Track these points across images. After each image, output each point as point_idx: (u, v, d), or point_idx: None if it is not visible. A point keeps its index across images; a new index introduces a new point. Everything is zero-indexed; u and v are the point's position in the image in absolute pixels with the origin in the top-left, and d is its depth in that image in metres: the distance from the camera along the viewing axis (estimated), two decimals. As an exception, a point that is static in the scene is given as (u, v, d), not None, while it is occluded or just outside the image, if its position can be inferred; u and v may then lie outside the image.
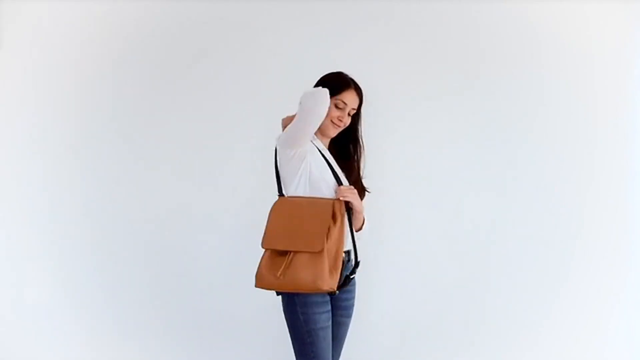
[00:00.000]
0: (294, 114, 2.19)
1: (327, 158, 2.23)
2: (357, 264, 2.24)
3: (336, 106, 2.20)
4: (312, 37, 3.14)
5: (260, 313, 2.95)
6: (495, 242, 3.16)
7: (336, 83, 2.22)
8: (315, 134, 2.23)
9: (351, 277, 2.23)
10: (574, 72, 3.13)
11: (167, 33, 3.20)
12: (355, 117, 2.31)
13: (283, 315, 2.19)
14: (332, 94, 2.18)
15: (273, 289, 2.12)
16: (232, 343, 3.17)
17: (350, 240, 2.23)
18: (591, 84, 3.14)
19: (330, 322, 2.19)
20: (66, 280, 3.19)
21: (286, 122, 2.24)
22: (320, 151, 2.22)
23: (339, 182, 2.19)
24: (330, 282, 2.05)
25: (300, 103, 2.09)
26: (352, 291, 2.31)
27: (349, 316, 2.31)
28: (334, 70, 2.28)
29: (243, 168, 3.11)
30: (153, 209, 3.19)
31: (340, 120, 2.22)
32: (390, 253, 3.15)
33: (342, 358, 2.35)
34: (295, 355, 2.19)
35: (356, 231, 2.27)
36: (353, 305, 2.32)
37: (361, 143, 2.35)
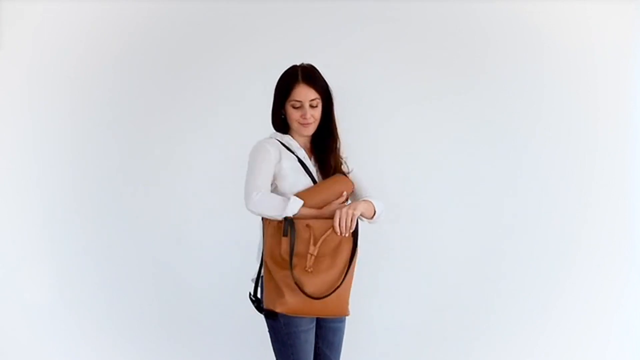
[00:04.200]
0: None
1: (302, 160, 2.18)
2: None
3: (293, 107, 2.13)
4: (312, 37, 3.14)
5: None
6: (497, 242, 3.15)
7: (284, 84, 2.15)
8: (292, 134, 2.21)
9: None
10: (575, 72, 3.13)
11: (168, 33, 3.20)
12: (327, 106, 2.19)
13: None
14: (285, 97, 2.14)
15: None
16: (233, 343, 3.17)
17: None
18: (593, 84, 3.14)
19: (313, 325, 2.14)
20: (65, 280, 3.18)
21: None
22: (296, 156, 2.17)
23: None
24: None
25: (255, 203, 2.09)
26: None
27: (342, 321, 2.25)
28: (291, 65, 2.20)
29: (244, 166, 3.10)
30: (153, 209, 3.19)
31: (305, 118, 2.13)
32: (390, 254, 3.15)
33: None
34: (276, 357, 2.15)
35: (371, 219, 2.21)
36: None
37: (336, 136, 2.22)
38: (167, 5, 3.18)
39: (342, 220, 2.06)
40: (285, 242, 2.04)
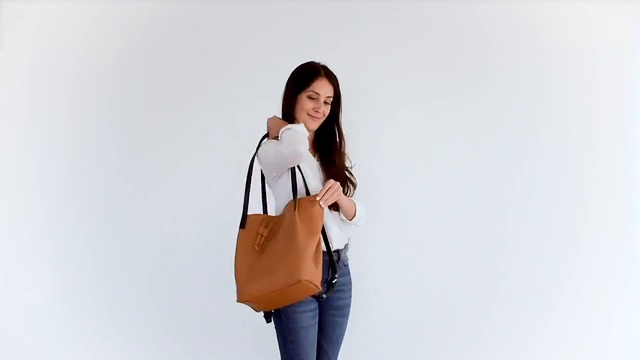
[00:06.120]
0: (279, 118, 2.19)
1: (308, 160, 2.18)
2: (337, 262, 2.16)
3: (309, 97, 2.16)
4: (312, 37, 3.14)
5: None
6: (497, 241, 3.16)
7: (305, 75, 2.18)
8: None
9: (336, 276, 2.13)
10: (575, 72, 3.14)
11: (168, 33, 3.20)
12: (336, 107, 2.24)
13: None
14: (303, 87, 2.16)
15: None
16: (233, 343, 3.17)
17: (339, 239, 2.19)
18: (593, 84, 3.14)
19: (315, 321, 2.15)
20: (65, 281, 3.19)
21: (272, 125, 2.19)
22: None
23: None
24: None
25: (280, 139, 2.05)
26: (347, 290, 2.25)
27: (344, 316, 2.26)
28: (307, 61, 2.23)
29: (246, 167, 3.10)
30: (153, 209, 3.19)
31: (317, 111, 2.16)
32: (390, 254, 3.15)
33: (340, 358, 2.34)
34: (280, 352, 2.17)
35: (349, 220, 2.22)
36: (349, 305, 2.26)
37: (342, 133, 2.27)
38: (167, 5, 3.19)
39: (330, 190, 2.09)
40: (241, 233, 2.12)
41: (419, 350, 3.16)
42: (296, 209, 2.05)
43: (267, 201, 2.23)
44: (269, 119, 2.24)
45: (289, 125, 2.07)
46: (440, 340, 3.16)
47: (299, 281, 1.95)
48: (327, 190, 2.09)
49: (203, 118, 3.19)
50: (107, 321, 3.19)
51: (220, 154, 3.17)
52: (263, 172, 2.22)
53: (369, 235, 2.82)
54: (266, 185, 2.23)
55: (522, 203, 3.15)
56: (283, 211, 2.11)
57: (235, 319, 3.11)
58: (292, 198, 2.09)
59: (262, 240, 2.08)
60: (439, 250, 3.15)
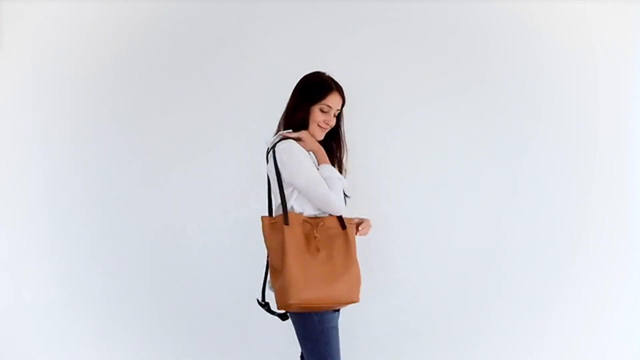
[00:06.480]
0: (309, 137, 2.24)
1: (313, 158, 2.26)
2: None
3: (321, 110, 2.25)
4: (312, 37, 3.15)
5: (263, 314, 2.94)
6: (497, 241, 3.15)
7: (318, 88, 2.25)
8: None
9: None
10: (575, 72, 3.14)
11: (168, 33, 3.20)
12: (338, 117, 2.34)
13: (290, 317, 2.19)
14: (317, 100, 2.23)
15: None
16: (234, 344, 3.17)
17: None
18: (593, 84, 3.14)
19: (338, 321, 2.22)
20: (65, 280, 3.19)
21: (307, 137, 2.24)
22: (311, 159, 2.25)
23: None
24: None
25: (335, 187, 2.17)
26: None
27: (339, 309, 2.32)
28: (315, 71, 2.30)
29: (245, 166, 3.11)
30: (153, 209, 3.19)
31: (327, 124, 2.27)
32: (391, 254, 3.15)
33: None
34: (308, 356, 2.17)
35: None
36: None
37: (344, 143, 2.37)
38: (167, 5, 3.19)
39: (368, 228, 2.35)
40: (287, 230, 2.14)
41: (418, 350, 3.16)
42: (347, 228, 2.21)
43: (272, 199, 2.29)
44: (300, 133, 2.25)
45: (341, 177, 2.22)
46: (441, 339, 3.16)
47: (355, 302, 2.16)
48: (367, 227, 2.34)
49: (203, 118, 3.19)
50: (107, 321, 3.19)
51: (220, 154, 3.17)
52: (275, 164, 2.22)
53: (368, 235, 2.81)
54: (272, 182, 2.25)
55: (522, 203, 3.15)
56: (326, 223, 2.17)
57: (236, 319, 3.12)
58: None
59: (318, 245, 2.14)
60: (439, 250, 3.15)
